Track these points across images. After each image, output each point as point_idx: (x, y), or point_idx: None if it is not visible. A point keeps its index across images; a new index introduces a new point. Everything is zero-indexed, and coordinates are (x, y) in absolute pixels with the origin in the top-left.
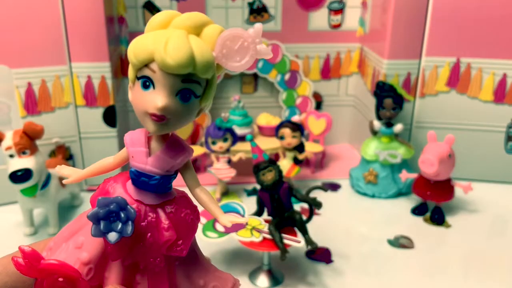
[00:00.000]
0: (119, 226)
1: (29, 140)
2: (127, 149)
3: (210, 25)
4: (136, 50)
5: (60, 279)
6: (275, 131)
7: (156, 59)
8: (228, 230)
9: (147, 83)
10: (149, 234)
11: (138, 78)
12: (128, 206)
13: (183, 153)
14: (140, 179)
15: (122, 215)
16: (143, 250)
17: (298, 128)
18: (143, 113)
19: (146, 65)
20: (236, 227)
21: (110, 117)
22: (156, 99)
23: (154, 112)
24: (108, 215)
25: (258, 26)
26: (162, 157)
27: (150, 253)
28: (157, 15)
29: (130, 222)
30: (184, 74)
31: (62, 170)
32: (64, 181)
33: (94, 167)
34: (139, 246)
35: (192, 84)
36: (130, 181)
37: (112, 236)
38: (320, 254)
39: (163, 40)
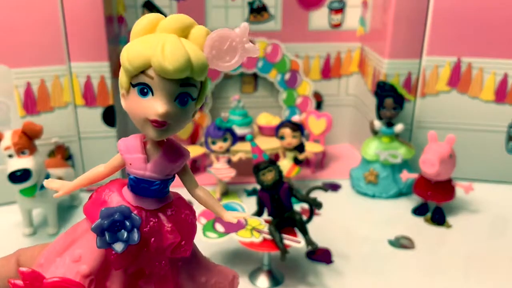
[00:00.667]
0: (125, 235)
1: (28, 140)
2: (123, 156)
3: (196, 26)
4: (130, 57)
5: None
6: (275, 131)
7: (153, 65)
8: (228, 230)
9: (145, 90)
10: (152, 239)
11: (134, 85)
12: (133, 214)
13: (181, 156)
14: (140, 186)
15: (127, 223)
16: (147, 256)
17: (298, 128)
18: (142, 120)
19: (142, 71)
20: (236, 227)
21: (109, 117)
22: (156, 105)
23: (155, 118)
24: (113, 225)
25: (245, 25)
26: (161, 162)
27: (155, 258)
28: (140, 20)
29: (136, 230)
30: (181, 79)
31: (50, 184)
32: (54, 195)
33: (84, 178)
34: (144, 252)
35: (189, 87)
36: (125, 188)
37: (119, 246)
38: (320, 255)
39: (159, 45)
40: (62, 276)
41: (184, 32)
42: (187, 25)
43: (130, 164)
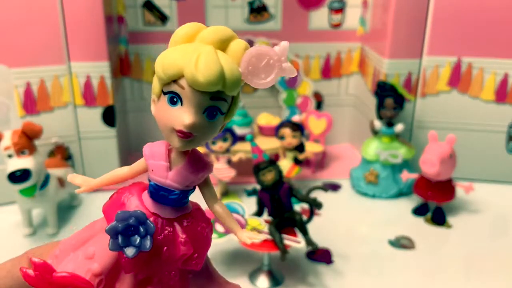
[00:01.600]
0: (138, 240)
1: (28, 140)
2: (147, 162)
3: (236, 40)
4: (165, 65)
5: None
6: (275, 131)
7: (186, 76)
8: (228, 231)
9: (174, 99)
10: (165, 248)
11: (165, 93)
12: (148, 221)
13: (204, 169)
14: (159, 193)
15: (142, 229)
16: (158, 264)
17: (298, 128)
18: (169, 129)
19: (174, 80)
20: None
21: (109, 117)
22: (183, 116)
23: (181, 129)
24: (126, 229)
25: (285, 44)
26: (183, 172)
27: (165, 267)
28: (182, 27)
29: (149, 237)
30: (212, 92)
31: (74, 179)
32: (76, 191)
33: (107, 177)
34: (155, 260)
35: (219, 101)
36: (145, 193)
37: (130, 251)
38: (320, 255)
39: (194, 56)
40: (72, 271)
41: (223, 45)
42: (227, 37)
43: (152, 170)
